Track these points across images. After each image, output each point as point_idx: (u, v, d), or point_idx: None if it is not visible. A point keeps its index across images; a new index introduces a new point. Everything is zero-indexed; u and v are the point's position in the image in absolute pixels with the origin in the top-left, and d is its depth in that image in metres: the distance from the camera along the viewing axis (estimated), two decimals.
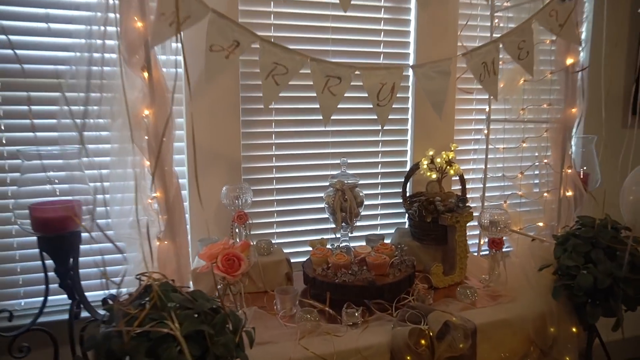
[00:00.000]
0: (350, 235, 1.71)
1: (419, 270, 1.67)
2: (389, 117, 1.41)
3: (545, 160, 1.73)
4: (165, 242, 1.19)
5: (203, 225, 1.73)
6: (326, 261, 1.54)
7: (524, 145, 1.83)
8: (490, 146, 1.97)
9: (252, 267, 1.60)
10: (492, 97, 1.66)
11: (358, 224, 1.73)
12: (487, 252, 1.67)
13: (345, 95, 1.33)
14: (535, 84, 1.74)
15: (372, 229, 2.00)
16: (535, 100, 1.76)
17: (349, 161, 1.83)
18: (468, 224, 1.67)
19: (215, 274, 1.36)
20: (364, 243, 1.84)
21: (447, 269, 1.68)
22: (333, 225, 1.71)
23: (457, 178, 1.86)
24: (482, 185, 2.01)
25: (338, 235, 1.74)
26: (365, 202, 1.77)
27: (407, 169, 1.97)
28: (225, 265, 1.36)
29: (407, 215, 1.86)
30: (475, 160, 2.07)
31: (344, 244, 1.74)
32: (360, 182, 1.73)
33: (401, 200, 1.85)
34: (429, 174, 1.78)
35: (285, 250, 1.88)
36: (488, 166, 1.99)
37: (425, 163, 1.77)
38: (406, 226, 2.04)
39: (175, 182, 1.20)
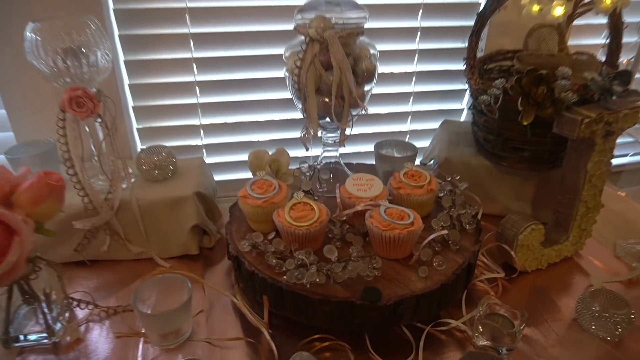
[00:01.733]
0: (342, 138, 0.77)
1: (489, 213, 0.77)
2: None
3: None
4: None
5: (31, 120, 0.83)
6: (270, 219, 0.65)
7: None
8: None
9: (119, 214, 0.73)
10: None
11: (364, 114, 0.78)
12: None
13: None
14: None
15: (392, 121, 1.04)
16: None
17: None
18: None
19: None
20: (371, 148, 0.91)
21: (550, 228, 0.77)
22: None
23: (605, 23, 0.81)
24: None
25: (320, 135, 0.80)
26: (381, 70, 0.80)
27: None
28: None
29: (472, 101, 0.88)
30: None
31: (327, 158, 0.82)
32: (372, 25, 0.73)
33: (462, 67, 0.85)
34: (536, 7, 0.75)
35: (223, 160, 0.99)
36: None
37: None
38: (462, 119, 1.07)
39: None
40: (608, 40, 0.80)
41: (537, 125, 0.70)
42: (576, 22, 0.81)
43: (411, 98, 1.01)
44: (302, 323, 0.59)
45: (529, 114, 0.69)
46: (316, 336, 0.59)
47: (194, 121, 0.93)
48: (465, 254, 0.63)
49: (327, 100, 0.70)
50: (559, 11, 0.69)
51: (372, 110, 0.97)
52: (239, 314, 0.65)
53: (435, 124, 1.01)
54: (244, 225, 0.69)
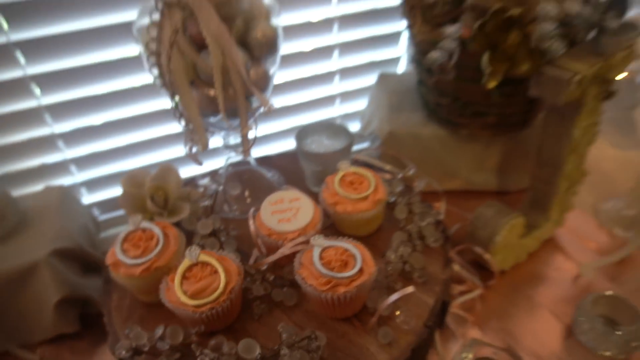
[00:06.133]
0: (245, 147, 0.55)
1: (450, 189, 0.60)
2: None
3: None
4: None
5: None
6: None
7: None
8: None
9: None
10: None
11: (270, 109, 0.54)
12: None
13: None
14: None
15: (314, 106, 0.81)
16: None
17: None
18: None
19: None
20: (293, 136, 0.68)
21: (526, 209, 0.61)
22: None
23: None
24: None
25: (217, 137, 0.57)
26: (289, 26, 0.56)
27: None
28: None
29: (413, 51, 0.67)
30: None
31: (236, 166, 0.60)
32: None
33: (397, 3, 0.62)
34: None
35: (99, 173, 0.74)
36: None
37: None
38: (396, 71, 0.85)
39: None
40: None
41: (505, 83, 0.51)
42: None
43: (336, 76, 0.78)
44: None
45: (497, 73, 0.50)
46: None
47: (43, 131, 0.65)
48: (436, 288, 0.46)
49: (211, 92, 0.47)
50: None
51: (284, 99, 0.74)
52: None
53: (367, 80, 0.80)
54: (128, 296, 0.48)
